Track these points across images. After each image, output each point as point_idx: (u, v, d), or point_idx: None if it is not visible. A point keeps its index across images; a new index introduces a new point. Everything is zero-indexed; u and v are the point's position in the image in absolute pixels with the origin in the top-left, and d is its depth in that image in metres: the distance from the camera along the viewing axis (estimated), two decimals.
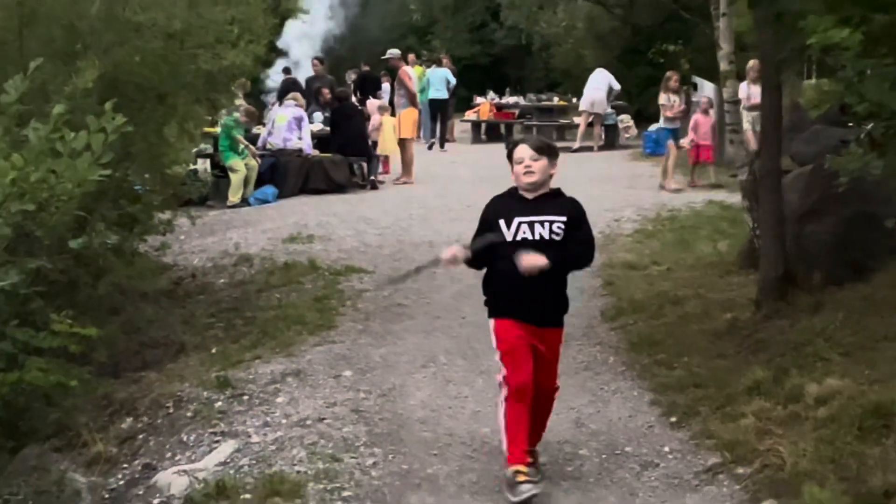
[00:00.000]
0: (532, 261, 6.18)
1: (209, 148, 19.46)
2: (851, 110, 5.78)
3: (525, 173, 6.36)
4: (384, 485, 6.73)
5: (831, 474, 5.95)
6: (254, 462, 7.11)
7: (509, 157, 6.52)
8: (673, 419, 7.64)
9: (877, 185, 9.07)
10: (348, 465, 7.00)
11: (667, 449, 7.13)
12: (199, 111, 12.01)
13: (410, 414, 8.00)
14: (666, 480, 6.67)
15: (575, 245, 6.37)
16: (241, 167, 18.64)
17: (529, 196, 6.41)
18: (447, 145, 28.46)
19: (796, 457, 6.30)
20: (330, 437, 7.49)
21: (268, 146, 19.88)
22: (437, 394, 8.38)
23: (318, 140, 20.68)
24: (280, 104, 21.36)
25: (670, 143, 19.50)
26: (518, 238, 6.28)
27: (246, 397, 8.39)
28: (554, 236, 6.28)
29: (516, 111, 30.90)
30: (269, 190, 19.04)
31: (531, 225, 6.29)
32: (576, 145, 26.40)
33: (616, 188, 19.13)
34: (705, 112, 20.06)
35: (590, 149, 26.14)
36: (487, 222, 6.46)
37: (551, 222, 6.29)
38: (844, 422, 6.53)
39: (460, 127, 30.95)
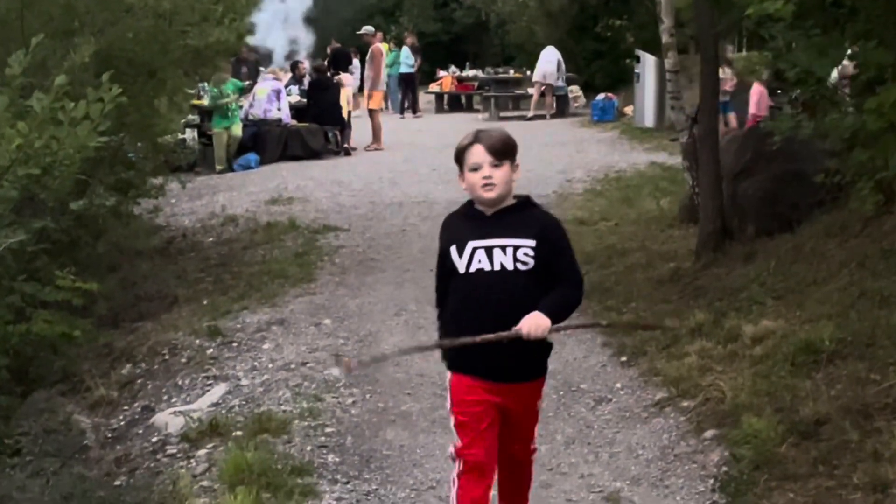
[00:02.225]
0: (535, 329, 4.17)
1: (196, 118, 19.29)
2: (783, 77, 5.75)
3: (484, 186, 4.27)
4: (363, 421, 6.72)
5: (767, 406, 5.96)
6: (244, 403, 7.10)
7: (459, 159, 4.38)
8: (623, 359, 7.63)
9: (803, 145, 9.09)
10: (330, 405, 6.99)
11: (618, 385, 7.14)
12: (186, 85, 11.88)
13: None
14: (618, 413, 6.68)
15: (563, 288, 4.28)
16: (223, 135, 18.39)
17: (488, 212, 4.35)
18: (414, 115, 28.34)
19: (735, 391, 6.31)
20: (312, 379, 7.48)
21: (250, 117, 19.62)
22: (409, 338, 8.33)
23: (296, 110, 20.45)
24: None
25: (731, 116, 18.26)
26: (472, 269, 4.25)
27: (235, 344, 8.36)
28: (519, 265, 4.22)
29: (475, 83, 30.62)
30: (252, 157, 18.85)
31: (489, 251, 4.25)
32: (530, 114, 26.28)
33: (567, 152, 19.03)
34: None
35: (542, 117, 25.99)
36: (442, 252, 4.43)
37: (515, 247, 4.23)
38: (778, 359, 6.54)
39: (424, 98, 30.59)
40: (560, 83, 26.94)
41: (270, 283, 10.24)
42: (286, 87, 21.17)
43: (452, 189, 14.21)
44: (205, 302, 9.76)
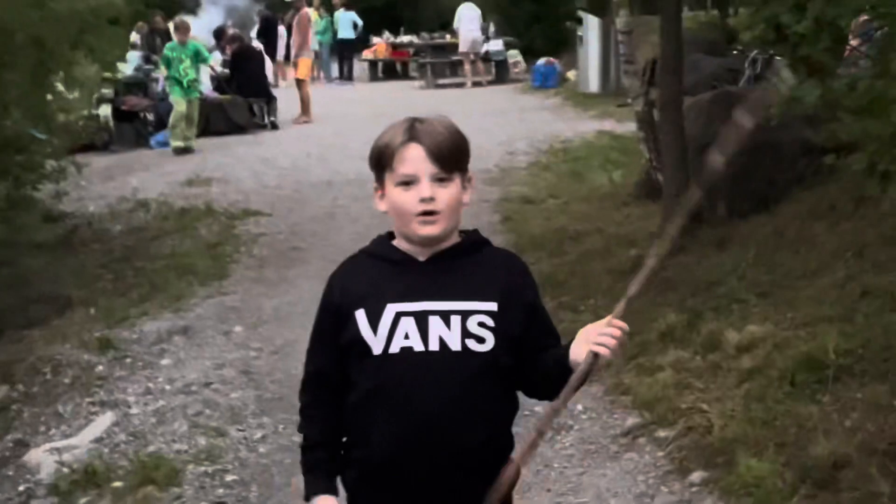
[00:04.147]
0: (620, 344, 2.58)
1: (110, 93, 18.20)
2: (790, 31, 4.59)
3: (422, 216, 2.68)
4: (272, 463, 5.65)
5: (767, 440, 4.84)
6: (131, 439, 6.05)
7: (379, 163, 2.74)
8: None
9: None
10: (234, 441, 5.94)
11: (580, 408, 5.96)
12: (79, 57, 10.62)
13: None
14: (582, 447, 5.54)
15: (549, 365, 2.71)
16: (181, 105, 16.84)
17: (421, 255, 2.76)
18: (347, 84, 27.90)
19: (724, 418, 5.20)
20: (216, 405, 6.45)
21: (167, 90, 18.35)
22: None
23: (218, 82, 19.57)
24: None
25: None
26: (393, 349, 2.69)
27: (129, 360, 7.28)
28: (472, 344, 2.68)
29: (411, 49, 29.84)
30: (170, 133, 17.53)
31: (421, 321, 2.69)
32: (468, 83, 25.61)
33: (508, 121, 18.18)
34: None
35: (479, 84, 25.37)
36: (336, 316, 2.78)
37: (465, 314, 2.69)
38: (773, 375, 5.42)
39: (358, 66, 29.94)
40: (496, 46, 26.19)
41: (177, 280, 9.15)
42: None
43: None
44: (93, 310, 8.54)
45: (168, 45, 17.02)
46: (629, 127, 15.65)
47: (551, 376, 2.65)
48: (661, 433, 5.42)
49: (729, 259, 7.39)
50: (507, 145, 15.45)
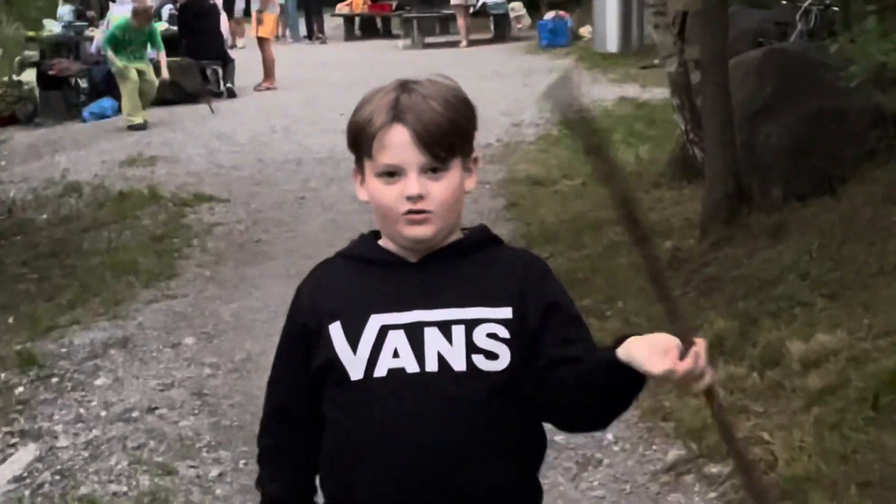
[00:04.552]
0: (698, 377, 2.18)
1: (35, 55, 18.33)
2: None
3: (408, 216, 2.46)
4: None
5: (847, 479, 4.63)
6: (58, 478, 5.96)
7: (357, 143, 2.51)
8: None
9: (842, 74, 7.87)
10: (184, 480, 5.79)
11: (610, 437, 5.74)
12: None
13: None
14: (614, 486, 5.34)
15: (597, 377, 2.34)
16: (132, 76, 16.56)
17: (412, 256, 2.54)
18: (317, 44, 28.17)
19: (790, 450, 5.00)
20: (162, 435, 6.32)
21: (103, 51, 18.30)
22: None
23: (165, 42, 19.05)
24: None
25: None
26: (378, 373, 2.44)
27: (56, 380, 7.25)
28: (480, 362, 2.43)
29: (393, 2, 29.75)
30: (107, 103, 17.82)
31: (414, 334, 2.46)
32: (464, 42, 25.66)
33: (512, 87, 18.14)
34: None
35: (484, 42, 25.66)
36: (302, 337, 2.57)
37: (471, 324, 2.45)
38: (850, 397, 5.25)
39: (331, 23, 29.99)
40: None
41: (114, 281, 9.08)
42: (158, 8, 20.78)
43: None
44: (17, 314, 8.54)
45: (119, 23, 16.65)
46: (656, 93, 15.67)
47: (593, 385, 2.35)
48: (712, 469, 5.23)
49: (787, 252, 7.23)
50: (510, 116, 15.36)
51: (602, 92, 16.98)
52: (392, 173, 2.44)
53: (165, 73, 16.67)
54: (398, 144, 2.43)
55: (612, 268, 8.10)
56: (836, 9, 14.26)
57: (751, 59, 9.34)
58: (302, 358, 2.55)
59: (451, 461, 2.42)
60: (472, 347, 2.42)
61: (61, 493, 5.67)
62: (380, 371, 2.43)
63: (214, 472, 5.80)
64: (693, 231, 8.43)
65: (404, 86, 2.48)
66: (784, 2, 15.17)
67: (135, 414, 6.55)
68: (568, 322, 2.50)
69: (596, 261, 8.39)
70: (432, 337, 2.44)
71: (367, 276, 2.55)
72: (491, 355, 2.42)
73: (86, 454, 6.10)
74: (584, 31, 23.73)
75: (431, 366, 2.42)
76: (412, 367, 2.42)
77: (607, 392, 2.32)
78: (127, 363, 7.35)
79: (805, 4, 13.71)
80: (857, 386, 5.28)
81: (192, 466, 5.87)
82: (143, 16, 16.69)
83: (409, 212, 2.44)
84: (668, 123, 11.99)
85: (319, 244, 9.79)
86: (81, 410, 6.67)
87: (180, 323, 8.05)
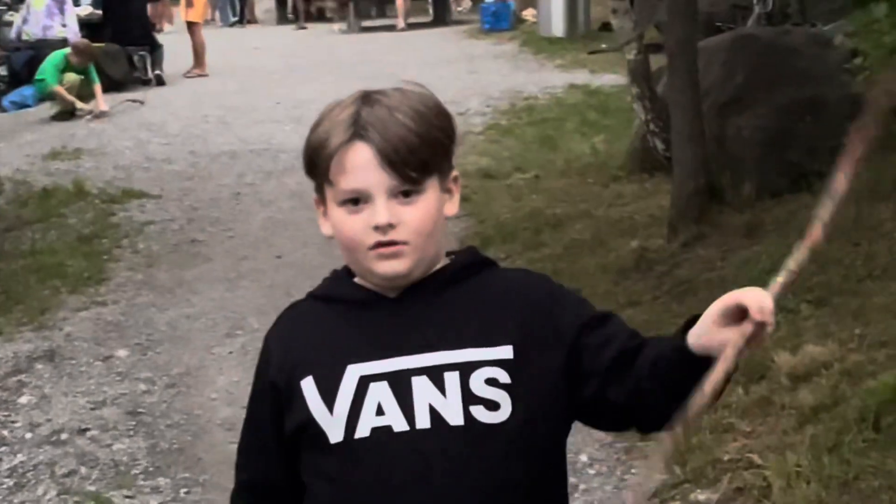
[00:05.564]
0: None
1: None
2: None
3: (376, 249, 2.15)
4: None
5: None
6: None
7: (312, 169, 2.23)
8: None
9: (818, 61, 7.67)
10: None
11: (584, 459, 5.48)
12: None
13: (211, 414, 6.47)
14: None
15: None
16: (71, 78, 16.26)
17: (391, 292, 2.22)
18: (249, 27, 28.06)
19: (784, 475, 4.72)
20: (94, 460, 6.00)
21: (24, 36, 18.40)
22: (249, 377, 6.59)
23: (88, 27, 19.27)
24: None
25: None
26: (360, 434, 2.13)
27: None
28: (480, 414, 2.13)
29: None
30: (28, 91, 17.36)
31: (400, 384, 2.15)
32: (400, 23, 25.64)
33: (456, 73, 17.97)
34: None
35: (423, 25, 25.74)
36: (272, 396, 2.26)
37: (466, 367, 2.15)
38: (848, 416, 4.96)
39: (263, 5, 29.89)
40: None
41: (39, 287, 8.73)
42: None
43: (306, 130, 12.71)
44: None
45: (55, 60, 16.22)
46: (606, 79, 15.56)
47: (665, 377, 2.06)
48: (700, 496, 4.96)
49: (765, 253, 6.96)
50: (456, 105, 14.86)
51: (550, 79, 16.98)
52: (356, 200, 2.15)
53: (103, 107, 16.11)
54: (360, 165, 2.14)
55: (576, 270, 7.88)
56: None
57: (716, 46, 9.20)
58: (273, 421, 2.25)
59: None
60: (469, 397, 2.12)
61: None
62: (362, 431, 2.13)
63: (153, 502, 5.52)
64: (660, 229, 8.22)
65: (366, 97, 2.19)
66: None
67: (63, 436, 6.23)
68: (598, 324, 2.20)
69: (557, 262, 8.16)
70: (421, 387, 2.14)
71: (341, 319, 2.25)
72: (491, 405, 2.12)
73: (10, 483, 5.79)
74: (528, 14, 23.69)
75: (423, 422, 2.12)
76: (400, 424, 2.13)
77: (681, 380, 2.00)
78: (54, 379, 7.02)
79: None
80: (854, 404, 5.01)
81: (128, 496, 5.57)
82: (84, 54, 16.35)
83: (379, 244, 2.14)
84: (623, 112, 11.82)
85: (259, 244, 9.67)
86: (4, 433, 6.35)
87: (111, 333, 7.74)
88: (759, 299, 1.92)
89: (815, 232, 1.99)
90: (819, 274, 6.49)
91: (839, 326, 5.83)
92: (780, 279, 1.96)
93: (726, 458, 5.10)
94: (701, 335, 1.97)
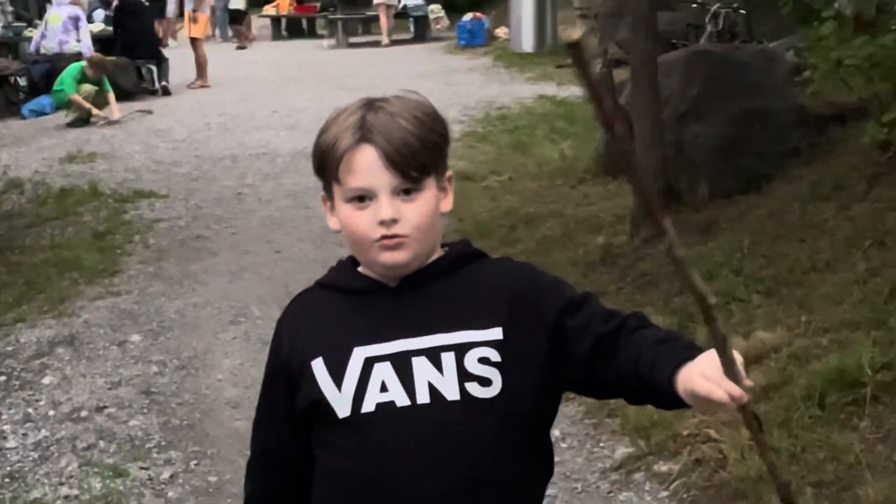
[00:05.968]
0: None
1: None
2: None
3: (382, 242, 2.16)
4: None
5: (800, 479, 4.35)
6: (7, 480, 5.47)
7: (323, 168, 2.22)
8: None
9: (766, 75, 7.64)
10: (136, 482, 5.37)
11: (557, 433, 5.40)
12: None
13: (218, 394, 6.34)
14: (565, 484, 4.99)
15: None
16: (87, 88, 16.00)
17: (392, 281, 2.24)
18: (247, 45, 27.29)
19: (739, 448, 4.70)
20: (112, 435, 5.88)
21: (42, 50, 18.06)
22: (251, 360, 6.60)
23: (101, 42, 19.06)
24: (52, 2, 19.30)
25: None
26: (366, 408, 2.15)
27: (3, 378, 6.69)
28: (475, 389, 2.15)
29: (318, 4, 29.25)
30: (46, 100, 17.03)
31: (402, 363, 2.16)
32: (385, 40, 25.26)
33: (435, 86, 17.56)
34: None
35: (405, 41, 25.29)
36: (284, 375, 2.27)
37: (461, 348, 2.16)
38: (795, 395, 4.94)
39: (259, 23, 29.27)
40: (414, 0, 25.94)
41: (59, 278, 8.52)
42: (90, 12, 19.57)
43: (300, 135, 12.74)
44: None
45: (73, 72, 16.10)
46: (572, 91, 15.40)
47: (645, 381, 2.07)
48: (662, 467, 4.94)
49: (719, 249, 6.91)
50: None
51: (521, 90, 16.73)
52: (362, 197, 2.17)
53: (117, 115, 15.94)
54: (367, 166, 2.16)
55: (549, 263, 7.73)
56: (742, 12, 14.16)
57: (674, 60, 9.07)
58: (286, 398, 2.26)
59: (455, 501, 2.13)
60: (464, 375, 2.14)
61: (12, 496, 5.23)
62: (367, 406, 2.15)
63: (166, 473, 5.40)
64: (623, 226, 8.07)
65: (370, 104, 2.19)
66: (694, 5, 15.01)
67: (83, 413, 6.10)
68: (576, 309, 2.22)
69: (531, 256, 8.02)
70: (421, 366, 2.16)
71: (346, 305, 2.26)
72: (484, 382, 2.14)
73: (35, 456, 5.65)
74: (501, 31, 23.42)
75: (423, 398, 2.14)
76: (402, 400, 2.14)
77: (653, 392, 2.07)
78: (74, 361, 6.86)
79: (714, 8, 13.54)
80: (801, 384, 4.98)
81: (143, 468, 5.46)
82: (98, 66, 16.16)
83: (383, 237, 2.16)
84: (588, 121, 11.68)
85: (259, 240, 9.47)
86: (29, 410, 6.20)
87: (126, 320, 7.55)
88: (726, 394, 1.84)
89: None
90: (768, 267, 6.46)
91: (787, 314, 5.78)
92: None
93: (686, 432, 5.06)
94: (686, 389, 1.95)
